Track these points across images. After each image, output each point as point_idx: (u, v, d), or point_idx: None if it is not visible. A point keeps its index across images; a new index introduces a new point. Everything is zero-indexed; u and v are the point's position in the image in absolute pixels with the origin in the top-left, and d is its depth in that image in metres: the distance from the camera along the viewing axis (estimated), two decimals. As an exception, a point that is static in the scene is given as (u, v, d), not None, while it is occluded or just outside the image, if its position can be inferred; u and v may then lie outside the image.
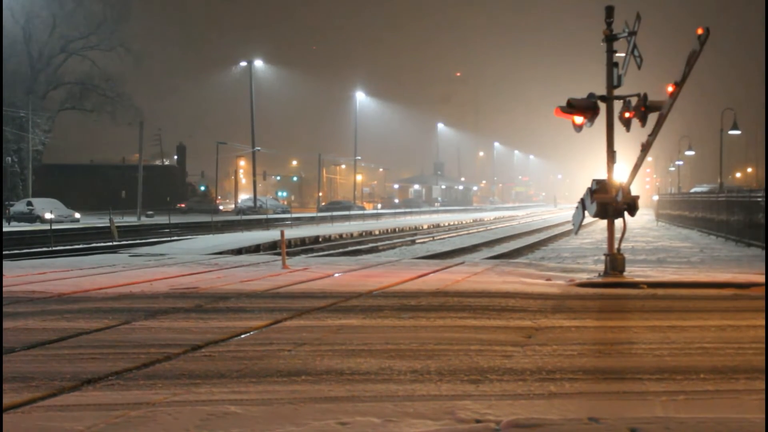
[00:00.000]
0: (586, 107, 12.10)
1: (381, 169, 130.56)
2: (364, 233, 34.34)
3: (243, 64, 69.67)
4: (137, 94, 72.07)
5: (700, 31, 10.88)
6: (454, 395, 4.83)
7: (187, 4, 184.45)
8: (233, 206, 79.69)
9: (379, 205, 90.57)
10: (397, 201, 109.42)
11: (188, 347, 6.38)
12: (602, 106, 12.17)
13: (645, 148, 11.78)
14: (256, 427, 4.19)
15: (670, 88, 11.38)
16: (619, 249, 12.13)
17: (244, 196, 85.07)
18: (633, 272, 12.52)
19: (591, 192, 11.95)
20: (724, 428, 4.11)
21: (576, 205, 12.52)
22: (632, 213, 11.86)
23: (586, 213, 12.20)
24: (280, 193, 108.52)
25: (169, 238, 29.76)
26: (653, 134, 11.63)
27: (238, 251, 22.11)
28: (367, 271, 13.45)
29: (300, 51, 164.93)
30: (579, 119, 12.21)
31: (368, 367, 5.63)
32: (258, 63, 69.59)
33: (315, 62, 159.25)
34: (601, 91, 12.21)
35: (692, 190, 51.36)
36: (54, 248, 24.83)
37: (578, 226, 13.04)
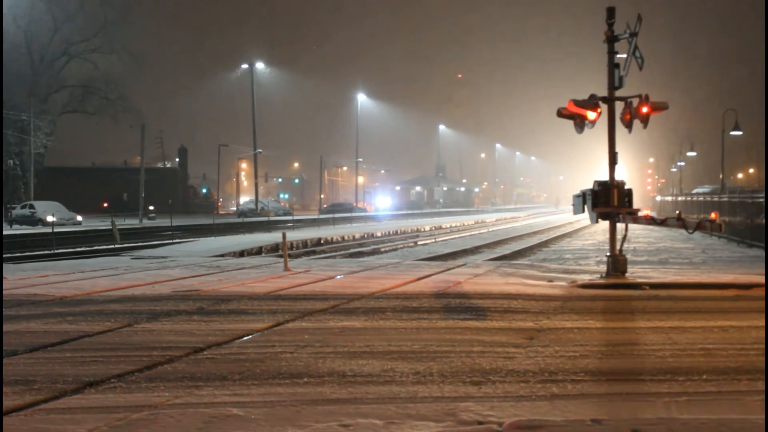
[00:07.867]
0: (587, 108, 12.09)
1: (382, 171, 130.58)
2: (365, 235, 34.33)
3: (244, 66, 69.88)
4: (139, 96, 72.51)
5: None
6: (457, 397, 4.83)
7: (189, 7, 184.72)
8: (235, 208, 79.73)
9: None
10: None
11: (190, 350, 6.38)
12: (604, 107, 12.17)
13: None
14: (259, 429, 4.19)
15: None
16: (621, 250, 12.12)
17: (245, 198, 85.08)
18: (635, 273, 12.51)
19: (593, 200, 11.91)
20: (726, 429, 4.10)
21: (578, 194, 12.43)
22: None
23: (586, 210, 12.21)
24: (281, 195, 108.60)
25: (171, 241, 29.80)
26: None
27: (240, 253, 22.13)
28: (369, 273, 13.44)
29: (301, 53, 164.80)
30: (580, 120, 12.21)
31: (370, 369, 5.63)
32: (259, 65, 69.83)
33: (316, 64, 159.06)
34: (603, 92, 12.22)
35: (694, 191, 51.28)
36: (56, 251, 24.87)
37: (579, 210, 12.88)
